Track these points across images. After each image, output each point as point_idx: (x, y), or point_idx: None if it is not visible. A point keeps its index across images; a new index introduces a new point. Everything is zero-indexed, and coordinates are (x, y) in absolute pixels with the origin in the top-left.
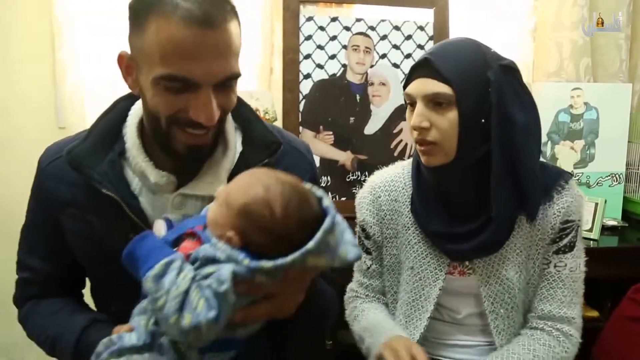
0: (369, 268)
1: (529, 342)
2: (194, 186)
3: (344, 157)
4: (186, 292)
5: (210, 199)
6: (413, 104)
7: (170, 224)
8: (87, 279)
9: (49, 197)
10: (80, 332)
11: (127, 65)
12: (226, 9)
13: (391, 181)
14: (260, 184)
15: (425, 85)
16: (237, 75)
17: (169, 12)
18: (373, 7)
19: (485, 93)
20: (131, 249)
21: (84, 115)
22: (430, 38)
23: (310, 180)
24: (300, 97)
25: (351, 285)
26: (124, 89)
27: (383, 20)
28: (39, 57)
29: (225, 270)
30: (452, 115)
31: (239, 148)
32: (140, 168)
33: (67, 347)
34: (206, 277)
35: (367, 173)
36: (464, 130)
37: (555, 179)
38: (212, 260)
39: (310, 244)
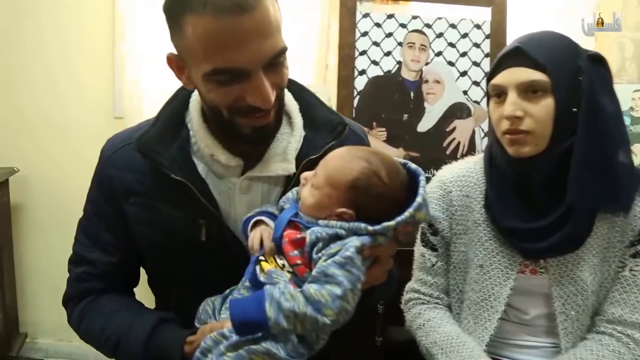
0: (433, 265)
1: (597, 347)
2: (262, 168)
3: (396, 154)
4: (307, 297)
5: (277, 180)
6: (500, 95)
7: (269, 215)
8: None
9: (113, 186)
10: (150, 330)
11: (177, 65)
12: None
13: (463, 176)
14: (359, 158)
15: (519, 74)
16: (283, 50)
17: (200, 8)
18: (429, 4)
19: (577, 81)
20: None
21: (141, 106)
22: (487, 36)
23: None
24: (355, 93)
25: (411, 285)
26: (178, 83)
27: (439, 18)
28: (98, 50)
29: (352, 243)
30: (548, 102)
31: (303, 132)
32: (209, 151)
33: (136, 346)
34: (333, 255)
35: None
36: (558, 119)
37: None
38: (335, 238)
39: (419, 198)
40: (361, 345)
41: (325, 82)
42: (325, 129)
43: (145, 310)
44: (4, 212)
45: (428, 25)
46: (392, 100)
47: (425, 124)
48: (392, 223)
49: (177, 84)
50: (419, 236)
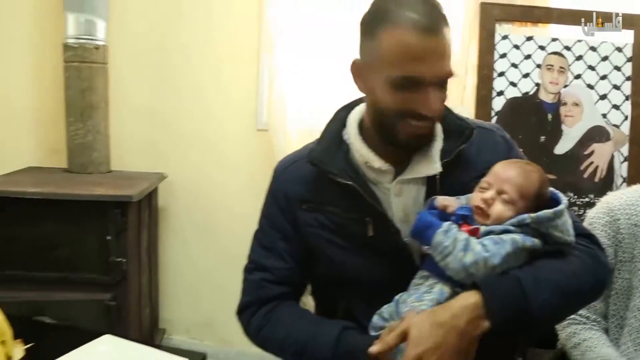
0: None
1: None
2: (412, 171)
3: None
4: (467, 239)
5: (422, 180)
6: None
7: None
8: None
9: (287, 197)
10: (337, 336)
11: (358, 69)
12: (443, 17)
13: (632, 205)
14: (532, 170)
15: None
16: (452, 74)
17: (399, 23)
18: (569, 27)
19: None
20: (421, 217)
21: (285, 120)
22: (629, 59)
23: (508, 150)
24: (492, 113)
25: None
26: (322, 97)
27: (579, 41)
28: (244, 66)
29: (514, 237)
30: None
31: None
32: (363, 159)
33: (325, 349)
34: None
35: None
36: None
37: None
38: (504, 232)
39: (565, 199)
40: None
41: (462, 103)
42: (455, 134)
43: (325, 320)
44: (153, 215)
45: (567, 48)
46: (530, 122)
47: (562, 147)
48: (549, 211)
49: (319, 99)
50: None
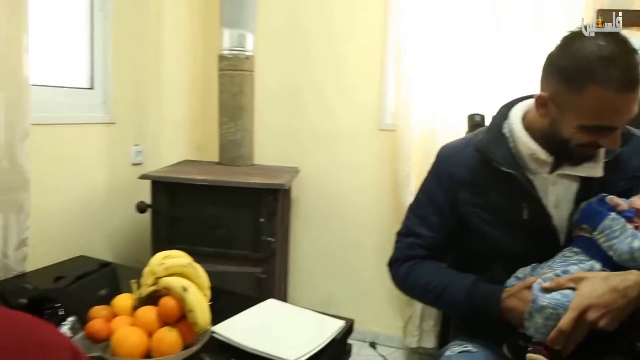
0: None
1: None
2: (574, 168)
3: None
4: (634, 230)
5: (576, 177)
6: None
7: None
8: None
9: (451, 178)
10: (472, 283)
11: (544, 103)
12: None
13: None
14: None
15: None
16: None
17: (605, 83)
18: None
19: None
20: (590, 205)
21: (409, 120)
22: None
23: None
24: None
25: None
26: (443, 101)
27: None
28: (370, 72)
29: None
30: None
31: None
32: (528, 151)
33: (459, 293)
34: None
35: None
36: None
37: None
38: None
39: None
40: (618, 348)
41: None
42: None
43: (462, 272)
44: (287, 205)
45: None
46: None
47: None
48: None
49: (440, 102)
50: None
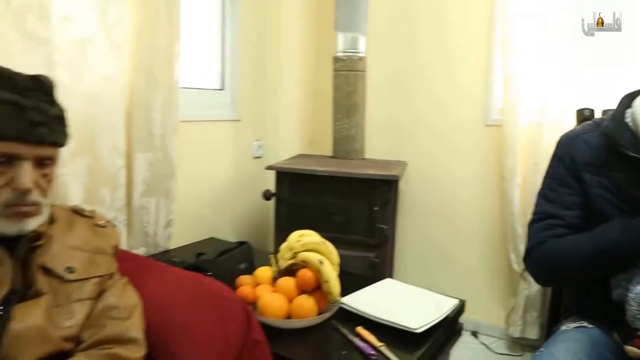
0: None
1: None
2: None
3: None
4: None
5: None
6: None
7: None
8: None
9: (573, 159)
10: (619, 220)
11: None
12: None
13: None
14: None
15: None
16: None
17: None
18: None
19: None
20: None
21: (515, 116)
22: None
23: None
24: None
25: None
26: (549, 96)
27: None
28: (476, 70)
29: None
30: None
31: None
32: None
33: (612, 231)
34: None
35: None
36: None
37: None
38: None
39: None
40: None
41: None
42: None
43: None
44: (396, 196)
45: None
46: None
47: None
48: None
49: (546, 98)
50: None
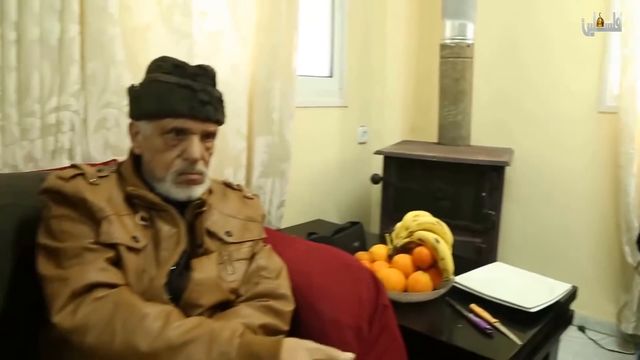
0: None
1: None
2: None
3: None
4: None
5: None
6: None
7: None
8: None
9: None
10: None
11: None
12: None
13: None
14: None
15: None
16: None
17: None
18: None
19: None
20: None
21: (633, 102)
22: None
23: None
24: None
25: None
26: None
27: None
28: (587, 56)
29: None
30: None
31: None
32: None
33: None
34: None
35: None
36: None
37: None
38: None
39: None
40: None
41: None
42: None
43: None
44: (502, 183)
45: None
46: None
47: None
48: None
49: None
50: None
